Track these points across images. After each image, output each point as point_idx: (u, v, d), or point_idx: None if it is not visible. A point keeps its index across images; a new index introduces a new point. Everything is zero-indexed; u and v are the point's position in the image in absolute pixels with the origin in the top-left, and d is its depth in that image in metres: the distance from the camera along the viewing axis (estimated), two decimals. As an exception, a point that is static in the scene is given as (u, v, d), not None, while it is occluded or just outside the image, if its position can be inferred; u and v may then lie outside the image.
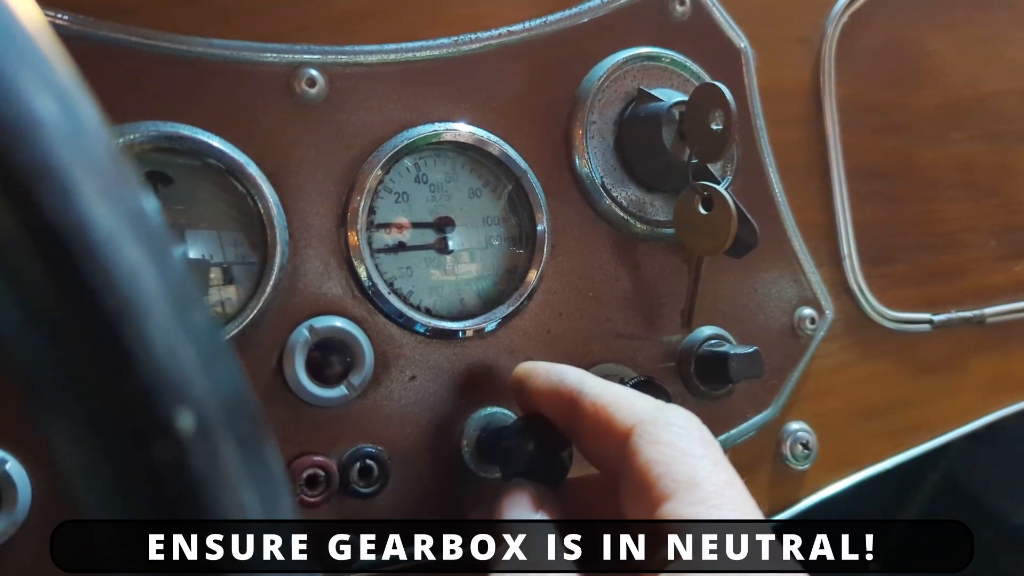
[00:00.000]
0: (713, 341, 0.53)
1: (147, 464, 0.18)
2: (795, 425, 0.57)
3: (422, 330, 0.47)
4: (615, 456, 0.36)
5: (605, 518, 0.40)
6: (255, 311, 0.44)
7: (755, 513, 0.32)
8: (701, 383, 0.53)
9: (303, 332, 0.45)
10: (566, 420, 0.40)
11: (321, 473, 0.44)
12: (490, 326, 0.49)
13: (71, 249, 0.17)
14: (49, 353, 0.18)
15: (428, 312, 0.48)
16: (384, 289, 0.47)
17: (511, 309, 0.49)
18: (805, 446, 0.57)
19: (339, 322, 0.46)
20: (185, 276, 0.20)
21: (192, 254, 0.44)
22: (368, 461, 0.45)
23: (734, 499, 0.32)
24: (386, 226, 0.48)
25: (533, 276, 0.50)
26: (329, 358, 0.45)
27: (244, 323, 0.43)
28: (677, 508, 0.31)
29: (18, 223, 0.17)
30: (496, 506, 0.39)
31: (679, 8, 0.54)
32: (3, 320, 0.18)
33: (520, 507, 0.38)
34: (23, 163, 0.17)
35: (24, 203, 0.17)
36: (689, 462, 0.33)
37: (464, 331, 0.48)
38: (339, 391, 0.45)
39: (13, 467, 0.39)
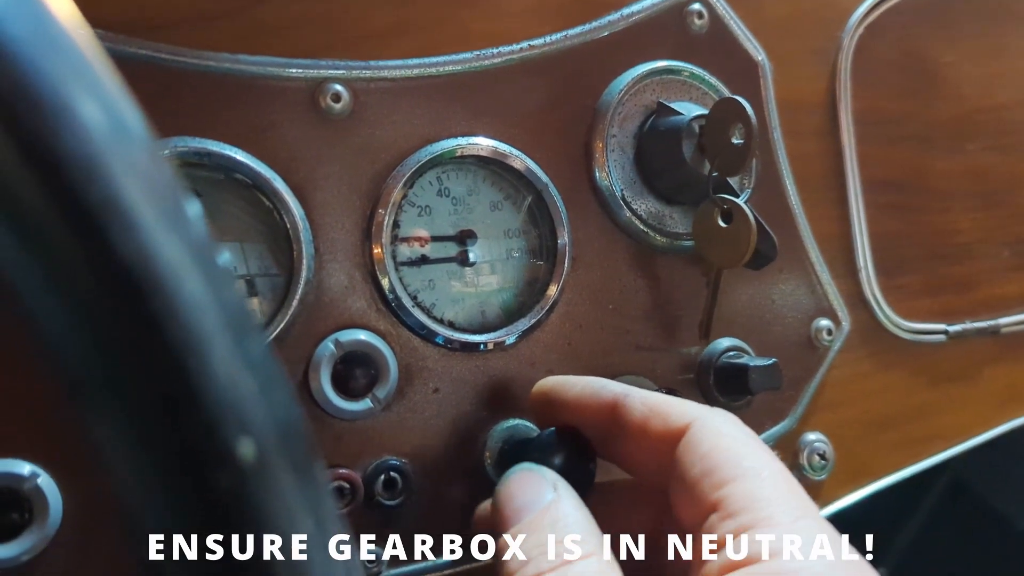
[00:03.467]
0: (731, 353, 0.53)
1: (209, 492, 0.19)
2: (812, 436, 0.57)
3: (444, 343, 0.48)
4: (663, 456, 0.37)
5: (629, 522, 0.40)
6: (282, 325, 0.44)
7: (810, 505, 0.33)
8: (720, 394, 0.53)
9: (329, 346, 0.45)
10: (604, 427, 0.40)
11: (346, 485, 0.45)
12: (511, 339, 0.49)
13: (139, 284, 0.18)
14: (113, 382, 0.19)
15: (451, 325, 0.49)
16: (408, 302, 0.47)
17: (532, 322, 0.49)
18: (822, 456, 0.57)
19: (364, 335, 0.46)
20: (241, 303, 0.21)
21: (215, 266, 0.45)
22: (392, 473, 0.46)
23: (794, 491, 0.34)
24: (409, 239, 0.48)
25: (554, 290, 0.50)
26: (354, 371, 0.45)
27: (271, 337, 0.44)
28: (740, 489, 0.33)
29: (89, 259, 0.18)
30: (506, 486, 0.38)
31: (697, 22, 0.55)
32: (70, 348, 0.19)
33: (534, 487, 0.37)
34: (94, 199, 0.18)
35: (94, 239, 0.18)
36: (752, 452, 0.35)
37: (485, 344, 0.49)
38: (364, 404, 0.46)
39: (44, 481, 0.40)
